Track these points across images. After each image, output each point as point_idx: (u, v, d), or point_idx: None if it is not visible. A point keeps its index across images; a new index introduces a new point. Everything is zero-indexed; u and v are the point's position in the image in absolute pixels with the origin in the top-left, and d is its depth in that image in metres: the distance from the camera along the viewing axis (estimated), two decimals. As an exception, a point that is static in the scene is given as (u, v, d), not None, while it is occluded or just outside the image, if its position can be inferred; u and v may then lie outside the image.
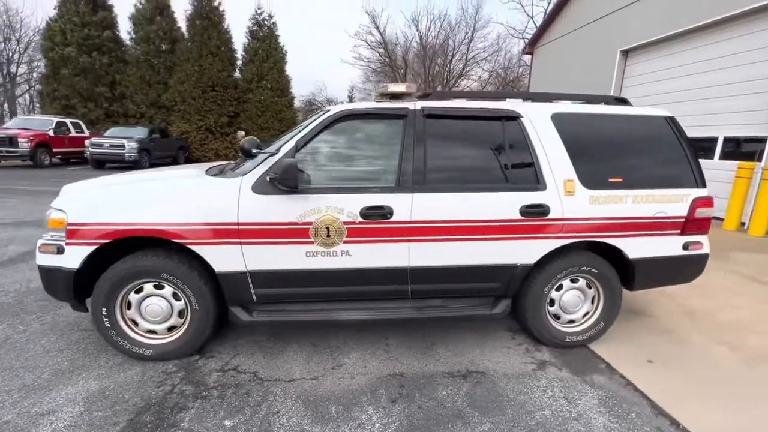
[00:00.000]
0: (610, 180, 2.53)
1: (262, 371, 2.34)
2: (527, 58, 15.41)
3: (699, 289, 3.85)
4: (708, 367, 2.50)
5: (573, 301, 2.64)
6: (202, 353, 2.50)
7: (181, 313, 2.38)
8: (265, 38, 19.32)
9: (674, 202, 2.58)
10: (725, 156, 7.25)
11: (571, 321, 2.69)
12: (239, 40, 19.57)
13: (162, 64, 17.92)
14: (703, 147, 7.67)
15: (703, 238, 2.69)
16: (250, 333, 2.76)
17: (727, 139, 7.24)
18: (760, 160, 6.50)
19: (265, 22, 19.43)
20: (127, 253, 2.30)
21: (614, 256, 2.62)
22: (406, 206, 2.34)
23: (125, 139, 13.00)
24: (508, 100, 2.73)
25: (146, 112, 17.92)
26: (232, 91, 18.79)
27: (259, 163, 2.35)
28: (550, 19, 12.47)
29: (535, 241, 2.47)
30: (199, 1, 17.83)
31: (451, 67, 23.39)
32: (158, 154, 14.32)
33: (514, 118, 2.53)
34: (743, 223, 6.50)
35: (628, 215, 2.53)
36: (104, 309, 2.27)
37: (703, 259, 2.72)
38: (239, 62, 19.35)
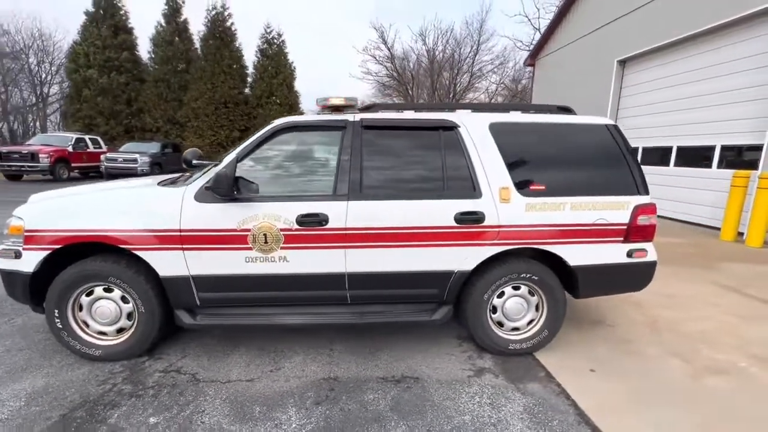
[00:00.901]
0: (546, 187, 2.55)
1: (202, 373, 2.42)
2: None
3: (672, 299, 3.76)
4: (652, 378, 2.45)
5: (515, 309, 2.64)
6: (152, 354, 2.61)
7: (129, 316, 2.51)
8: (274, 56, 20.04)
9: (615, 209, 2.57)
10: (725, 165, 7.05)
11: (515, 328, 2.68)
12: (250, 57, 20.33)
13: (177, 82, 18.75)
14: (701, 156, 7.50)
15: (648, 246, 2.66)
16: (202, 336, 2.86)
17: (724, 148, 7.05)
18: (757, 168, 6.30)
19: (275, 41, 20.18)
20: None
21: (557, 263, 2.62)
22: (341, 213, 2.42)
23: (138, 153, 13.60)
24: (458, 111, 2.79)
25: (162, 128, 18.72)
26: (243, 107, 19.46)
27: (204, 173, 2.49)
28: (550, 31, 12.52)
29: (471, 247, 2.50)
30: (212, 22, 18.71)
31: (458, 80, 23.60)
32: (170, 167, 14.84)
33: (451, 128, 2.60)
34: (741, 234, 6.27)
35: (567, 222, 2.54)
36: (56, 311, 2.41)
37: (649, 266, 2.69)
38: (249, 79, 20.06)
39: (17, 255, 2.40)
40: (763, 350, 2.81)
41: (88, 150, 14.62)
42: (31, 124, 37.50)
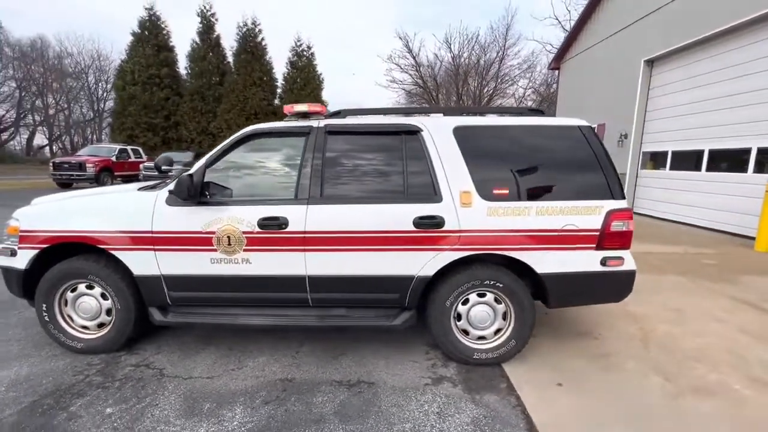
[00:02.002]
0: (509, 191, 2.47)
1: (169, 368, 2.53)
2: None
3: (677, 313, 3.48)
4: (624, 396, 2.28)
5: (481, 317, 2.55)
6: (131, 349, 2.76)
7: (109, 312, 2.67)
8: (303, 67, 20.72)
9: (585, 214, 2.44)
10: (766, 169, 6.44)
11: (482, 337, 2.59)
12: (279, 69, 21.12)
13: (211, 95, 19.81)
14: (736, 159, 6.92)
15: (624, 253, 2.50)
16: (182, 334, 2.99)
17: (761, 150, 6.47)
18: (797, 172, 5.73)
19: (304, 53, 20.86)
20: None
21: (525, 270, 2.52)
22: (301, 217, 2.46)
23: (172, 162, 14.46)
24: (425, 115, 2.78)
25: (196, 139, 19.79)
26: (272, 117, 20.16)
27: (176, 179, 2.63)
28: (575, 32, 12.10)
29: (430, 252, 2.46)
30: (243, 38, 19.67)
31: (484, 85, 23.24)
32: (201, 176, 15.63)
33: (414, 132, 2.59)
34: (779, 244, 5.70)
35: (532, 228, 2.44)
36: (44, 305, 2.62)
37: (626, 275, 2.51)
38: (279, 90, 20.82)
39: (13, 253, 2.63)
40: (766, 372, 2.54)
41: (130, 159, 15.74)
42: (90, 136, 40.98)
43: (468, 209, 2.45)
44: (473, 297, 2.55)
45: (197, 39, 19.81)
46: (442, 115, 2.78)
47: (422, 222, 2.43)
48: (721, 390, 2.34)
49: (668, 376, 2.48)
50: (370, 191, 2.55)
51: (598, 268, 2.48)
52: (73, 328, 2.70)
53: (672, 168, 8.49)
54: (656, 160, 9.07)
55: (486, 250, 2.45)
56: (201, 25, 19.93)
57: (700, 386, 2.37)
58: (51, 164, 14.15)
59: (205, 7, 20.20)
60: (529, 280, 2.57)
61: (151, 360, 2.64)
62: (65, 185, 14.50)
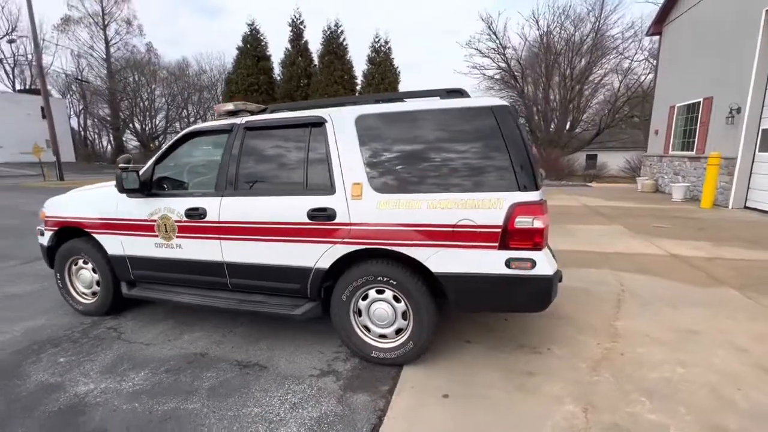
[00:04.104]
0: (404, 183, 2.29)
1: (128, 334, 3.03)
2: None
3: (684, 334, 2.78)
4: (514, 422, 1.95)
5: (380, 314, 2.44)
6: (118, 315, 3.36)
7: (98, 283, 3.31)
8: (380, 62, 21.16)
9: (484, 208, 2.13)
10: None
11: (383, 336, 2.47)
12: (359, 66, 21.94)
13: (299, 95, 21.63)
14: None
15: (535, 255, 2.10)
16: (160, 308, 3.51)
17: None
18: None
19: (381, 48, 21.28)
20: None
21: (422, 268, 2.32)
22: (215, 208, 2.69)
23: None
24: (347, 105, 2.71)
25: (287, 137, 21.86)
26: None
27: (135, 174, 3.10)
28: (680, -14, 9.88)
29: (324, 245, 2.44)
30: (328, 40, 20.95)
31: (577, 62, 20.43)
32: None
33: (319, 124, 2.57)
34: None
35: (424, 222, 2.23)
36: (58, 274, 3.37)
37: (538, 281, 2.11)
38: (358, 87, 21.69)
39: (42, 233, 3.44)
40: (747, 425, 1.88)
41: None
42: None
43: (359, 202, 2.36)
44: (372, 293, 2.45)
45: (289, 46, 21.78)
46: (355, 104, 2.67)
47: (314, 214, 2.43)
48: (648, 434, 1.83)
49: (593, 408, 2.02)
50: (277, 184, 2.64)
51: (502, 270, 2.15)
52: (78, 294, 3.41)
53: (802, 149, 6.44)
54: (781, 139, 6.98)
55: (376, 244, 2.33)
56: (291, 34, 21.83)
57: (623, 426, 1.89)
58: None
59: (295, 17, 22.05)
60: (428, 279, 2.35)
61: (121, 325, 3.18)
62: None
